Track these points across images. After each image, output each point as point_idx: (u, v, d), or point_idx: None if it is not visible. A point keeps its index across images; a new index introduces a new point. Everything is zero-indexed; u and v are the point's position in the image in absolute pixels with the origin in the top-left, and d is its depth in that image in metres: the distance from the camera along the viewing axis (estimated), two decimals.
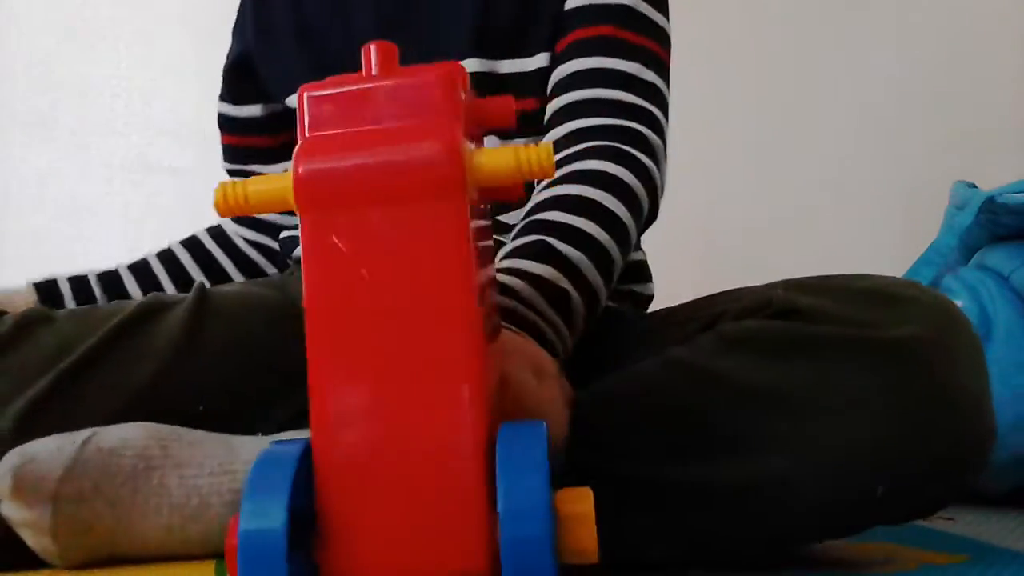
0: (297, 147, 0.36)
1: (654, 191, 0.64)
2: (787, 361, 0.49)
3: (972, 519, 0.78)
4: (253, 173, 0.83)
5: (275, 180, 0.37)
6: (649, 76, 0.67)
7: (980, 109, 1.46)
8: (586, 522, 0.34)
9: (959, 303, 0.89)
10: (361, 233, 0.35)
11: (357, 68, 0.38)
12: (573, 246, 0.56)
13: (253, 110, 0.83)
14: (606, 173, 0.61)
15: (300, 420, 0.57)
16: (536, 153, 0.36)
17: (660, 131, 0.66)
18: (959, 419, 0.49)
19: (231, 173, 0.86)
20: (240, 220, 0.87)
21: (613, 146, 0.62)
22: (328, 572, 0.34)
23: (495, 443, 0.34)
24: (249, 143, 0.84)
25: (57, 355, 0.56)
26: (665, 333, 0.59)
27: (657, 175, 0.64)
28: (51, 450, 0.51)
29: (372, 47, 0.38)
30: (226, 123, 0.85)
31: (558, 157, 0.63)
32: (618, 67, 0.66)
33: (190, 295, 0.61)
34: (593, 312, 0.57)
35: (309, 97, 0.38)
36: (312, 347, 0.35)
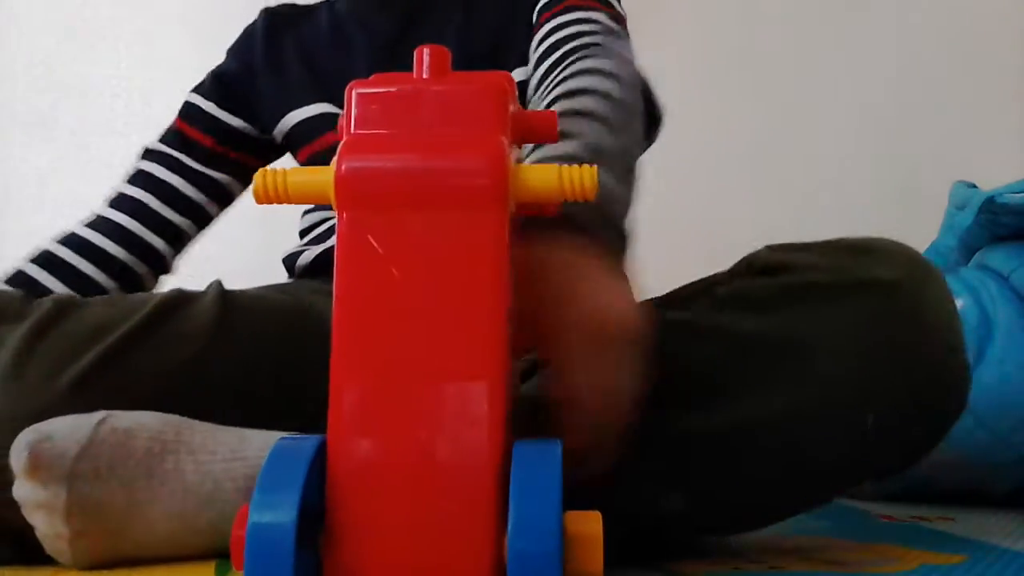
0: (342, 143, 0.36)
1: (648, 92, 0.69)
2: (777, 309, 0.53)
3: (972, 519, 0.78)
4: (171, 158, 0.84)
5: (316, 173, 0.36)
6: (614, 26, 0.74)
7: (980, 109, 1.46)
8: (594, 543, 0.34)
9: (959, 303, 0.89)
10: (398, 235, 0.35)
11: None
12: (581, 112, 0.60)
13: (234, 120, 0.85)
14: (596, 69, 0.64)
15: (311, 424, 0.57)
16: (580, 174, 0.36)
17: (634, 57, 0.73)
18: (937, 354, 0.53)
19: (151, 153, 0.85)
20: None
21: (597, 51, 0.67)
22: (332, 572, 0.34)
23: (510, 456, 0.34)
24: (200, 139, 0.85)
25: (97, 335, 0.57)
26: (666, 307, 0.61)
27: (645, 80, 0.69)
28: (66, 429, 0.51)
29: (425, 50, 0.38)
30: (198, 116, 0.85)
31: (550, 78, 0.68)
32: (586, 16, 0.73)
33: (211, 289, 0.62)
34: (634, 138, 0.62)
35: (358, 94, 0.37)
36: (337, 344, 0.35)
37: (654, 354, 0.47)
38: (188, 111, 0.86)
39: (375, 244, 0.35)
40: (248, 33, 0.88)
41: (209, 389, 0.58)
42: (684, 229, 2.27)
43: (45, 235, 0.85)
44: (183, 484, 0.52)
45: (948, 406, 0.55)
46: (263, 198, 0.37)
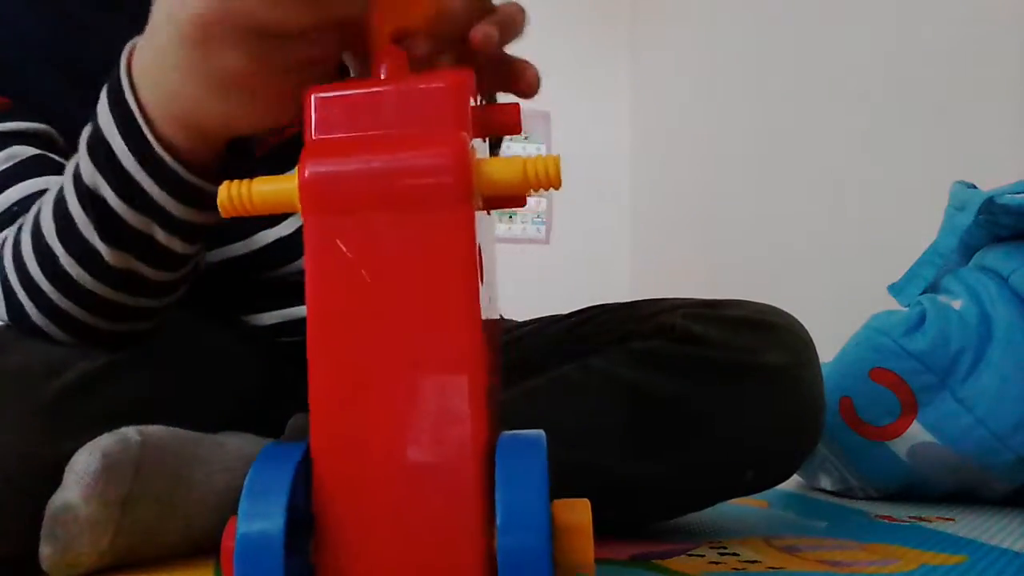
0: (304, 149, 0.36)
1: None
2: (685, 377, 0.60)
3: (972, 519, 0.78)
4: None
5: (281, 181, 0.36)
6: None
7: (980, 109, 1.46)
8: (583, 533, 0.34)
9: (959, 303, 0.89)
10: (366, 238, 0.35)
11: None
12: None
13: None
14: None
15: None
16: (544, 164, 0.36)
17: None
18: (809, 422, 0.65)
19: None
20: None
21: None
22: None
23: (494, 450, 0.34)
24: None
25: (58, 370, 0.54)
26: (584, 340, 0.68)
27: None
28: (116, 447, 0.50)
29: (382, 52, 0.38)
30: None
31: None
32: None
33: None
34: None
35: (317, 99, 0.37)
36: (312, 350, 0.35)
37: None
38: None
39: (343, 248, 0.35)
40: None
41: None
42: (684, 228, 2.27)
43: None
44: (197, 496, 0.53)
45: (807, 454, 0.68)
46: (229, 210, 0.37)
